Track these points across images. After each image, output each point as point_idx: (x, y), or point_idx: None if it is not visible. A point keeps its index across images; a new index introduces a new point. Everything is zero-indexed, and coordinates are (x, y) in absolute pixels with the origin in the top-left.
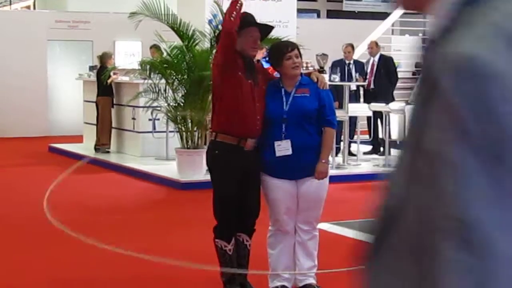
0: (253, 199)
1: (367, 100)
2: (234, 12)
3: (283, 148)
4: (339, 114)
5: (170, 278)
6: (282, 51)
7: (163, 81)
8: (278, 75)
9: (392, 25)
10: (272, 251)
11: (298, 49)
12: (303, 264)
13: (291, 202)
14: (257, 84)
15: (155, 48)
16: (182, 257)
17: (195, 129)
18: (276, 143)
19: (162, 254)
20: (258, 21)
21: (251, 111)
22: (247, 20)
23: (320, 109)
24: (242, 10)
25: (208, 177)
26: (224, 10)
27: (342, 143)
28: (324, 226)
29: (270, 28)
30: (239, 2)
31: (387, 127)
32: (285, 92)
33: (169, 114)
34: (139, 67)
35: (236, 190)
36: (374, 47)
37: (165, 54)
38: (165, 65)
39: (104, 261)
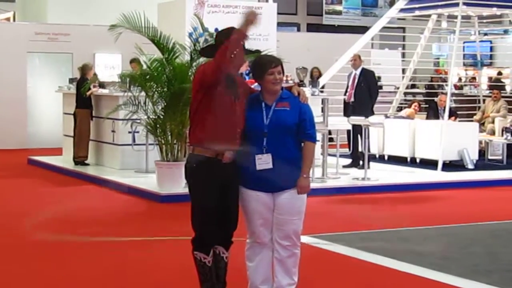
0: (232, 211)
1: (347, 114)
2: (237, 50)
3: (263, 162)
4: (319, 127)
5: None
6: (265, 66)
7: (143, 93)
8: (259, 89)
9: (372, 39)
10: (250, 264)
11: (282, 65)
12: (280, 281)
13: (268, 214)
14: (238, 97)
15: (135, 62)
16: (162, 270)
17: (175, 141)
18: (257, 157)
19: (141, 266)
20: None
21: (231, 124)
22: None
23: (300, 123)
24: (229, 25)
25: (188, 190)
26: (204, 22)
27: (322, 156)
28: (303, 239)
29: (256, 52)
30: (246, 38)
31: (367, 140)
32: (266, 106)
33: (148, 127)
34: (119, 80)
35: (215, 202)
36: (357, 59)
37: (144, 66)
38: (146, 77)
39: (84, 276)
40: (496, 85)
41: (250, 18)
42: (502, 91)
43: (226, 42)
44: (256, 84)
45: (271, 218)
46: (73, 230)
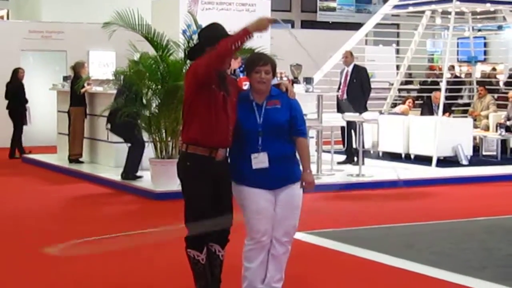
0: (225, 209)
1: (340, 110)
2: (239, 42)
3: (259, 161)
4: (314, 124)
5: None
6: (254, 62)
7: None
8: (248, 87)
9: (366, 35)
10: (250, 265)
11: (273, 66)
12: (273, 276)
13: (271, 211)
14: (229, 95)
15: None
16: (157, 267)
17: (169, 139)
18: (253, 156)
19: (136, 264)
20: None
21: (223, 122)
22: (223, 36)
23: (291, 119)
24: (218, 21)
25: (181, 188)
26: (198, 19)
27: (316, 153)
28: (298, 235)
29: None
30: (251, 36)
31: (361, 137)
32: (256, 105)
33: (143, 124)
34: (113, 77)
35: (208, 200)
36: (348, 56)
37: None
38: (140, 75)
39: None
40: (483, 81)
41: (261, 27)
42: (495, 87)
43: (229, 36)
44: (248, 84)
45: (274, 215)
46: (68, 227)
